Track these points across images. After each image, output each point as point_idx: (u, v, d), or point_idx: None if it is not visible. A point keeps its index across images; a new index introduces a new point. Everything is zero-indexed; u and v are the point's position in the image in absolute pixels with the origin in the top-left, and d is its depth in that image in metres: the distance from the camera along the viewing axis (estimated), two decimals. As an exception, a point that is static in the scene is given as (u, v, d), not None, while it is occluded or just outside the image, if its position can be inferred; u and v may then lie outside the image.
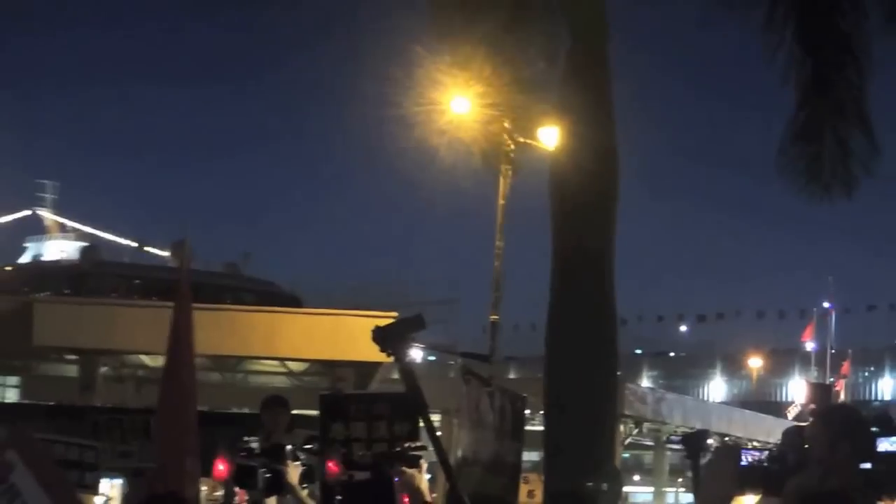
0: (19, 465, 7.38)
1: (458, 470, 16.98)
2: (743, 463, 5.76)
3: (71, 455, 17.19)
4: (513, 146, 30.01)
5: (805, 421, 8.51)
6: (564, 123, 19.21)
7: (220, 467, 13.00)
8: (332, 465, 12.04)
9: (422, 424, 6.26)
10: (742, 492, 5.93)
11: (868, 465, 7.08)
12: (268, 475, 10.77)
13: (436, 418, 46.23)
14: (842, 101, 19.15)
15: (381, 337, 5.78)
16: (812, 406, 14.92)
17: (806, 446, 6.02)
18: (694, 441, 7.53)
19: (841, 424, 6.87)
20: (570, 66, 18.76)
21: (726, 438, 75.03)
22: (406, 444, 10.73)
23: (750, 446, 53.66)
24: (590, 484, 17.56)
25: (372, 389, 46.39)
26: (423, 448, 10.64)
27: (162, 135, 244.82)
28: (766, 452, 5.86)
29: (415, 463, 9.91)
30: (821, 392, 18.40)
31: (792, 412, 70.98)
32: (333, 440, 15.23)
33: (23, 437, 7.67)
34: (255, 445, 11.31)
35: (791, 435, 8.11)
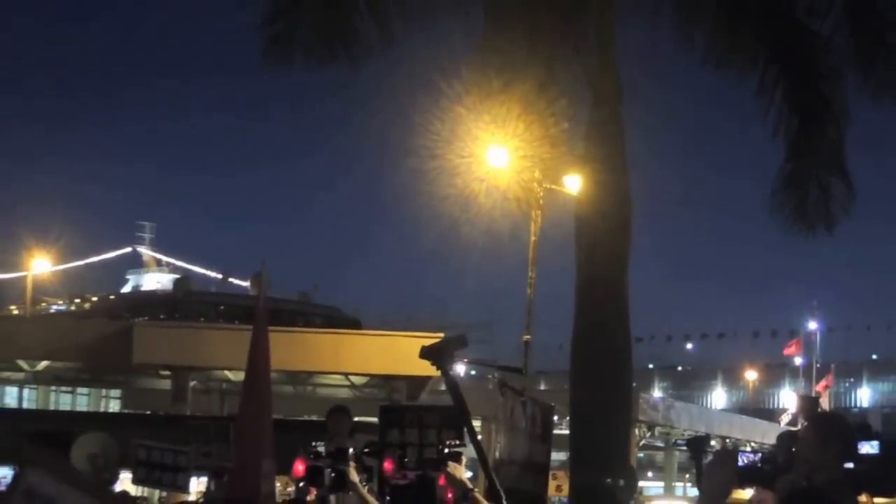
0: (47, 480, 7.20)
1: (496, 468, 16.98)
2: (740, 463, 5.75)
3: (166, 459, 17.21)
4: (542, 192, 30.02)
5: (796, 427, 8.51)
6: (586, 172, 19.25)
7: (299, 467, 13.02)
8: (388, 466, 12.03)
9: (466, 429, 6.31)
10: (740, 487, 5.91)
11: (850, 465, 7.07)
12: (333, 474, 10.76)
13: (477, 424, 46.19)
14: (823, 153, 19.21)
15: (430, 354, 5.79)
16: (801, 414, 14.89)
17: (794, 449, 6.00)
18: (697, 444, 7.53)
19: (830, 429, 6.84)
20: (592, 125, 18.80)
21: (726, 440, 74.78)
22: (448, 442, 10.71)
23: (748, 448, 53.69)
24: (609, 480, 17.53)
25: (423, 401, 46.38)
26: (464, 446, 10.64)
27: (241, 183, 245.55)
28: (760, 454, 5.85)
29: (456, 458, 9.89)
30: (809, 403, 18.32)
31: (784, 419, 70.70)
32: (390, 444, 15.19)
33: (40, 455, 7.50)
34: (321, 449, 11.30)
35: (784, 439, 8.09)
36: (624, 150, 18.71)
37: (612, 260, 18.40)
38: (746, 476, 5.89)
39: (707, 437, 7.98)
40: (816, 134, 19.08)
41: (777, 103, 18.97)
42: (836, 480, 6.67)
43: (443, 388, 57.86)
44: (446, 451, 10.10)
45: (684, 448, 61.78)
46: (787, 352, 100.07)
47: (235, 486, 15.69)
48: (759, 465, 5.86)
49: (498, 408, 16.09)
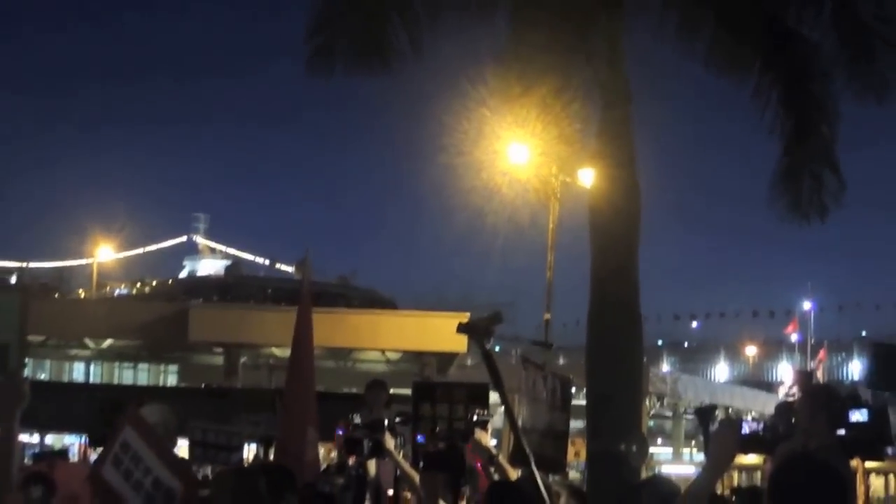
0: (135, 437, 7.27)
1: (522, 436, 17.06)
2: (744, 431, 5.77)
3: (220, 439, 17.28)
4: (559, 185, 30.10)
5: (793, 398, 8.54)
6: (599, 167, 19.28)
7: (339, 433, 13.07)
8: (419, 438, 12.09)
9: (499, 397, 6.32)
10: (743, 453, 5.94)
11: (842, 432, 7.09)
12: (370, 444, 10.80)
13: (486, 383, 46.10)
14: (816, 148, 19.27)
15: (468, 329, 5.82)
16: (797, 387, 14.97)
17: (793, 420, 6.04)
18: (704, 413, 7.58)
19: (821, 399, 6.88)
20: (603, 125, 18.85)
21: (729, 410, 74.73)
22: (477, 411, 10.76)
23: (749, 418, 53.77)
24: (623, 446, 17.54)
25: (451, 375, 46.50)
26: (490, 416, 10.70)
27: (287, 173, 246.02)
28: (762, 423, 5.88)
29: (483, 426, 9.94)
30: (805, 377, 18.48)
31: (782, 391, 70.63)
32: (422, 417, 15.26)
33: (134, 414, 7.57)
34: (358, 421, 11.34)
35: (782, 409, 8.13)
36: (633, 147, 18.74)
37: (623, 247, 18.42)
38: (749, 443, 5.92)
39: (713, 407, 8.03)
40: (809, 131, 19.14)
41: (773, 104, 19.04)
42: (828, 445, 6.71)
43: (469, 362, 58.00)
44: (474, 419, 10.15)
45: (691, 417, 61.78)
46: (787, 330, 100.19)
47: (282, 453, 15.81)
48: (761, 433, 5.88)
49: (521, 381, 16.19)
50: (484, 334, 5.77)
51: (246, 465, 18.66)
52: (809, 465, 5.25)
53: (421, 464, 10.48)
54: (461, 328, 5.84)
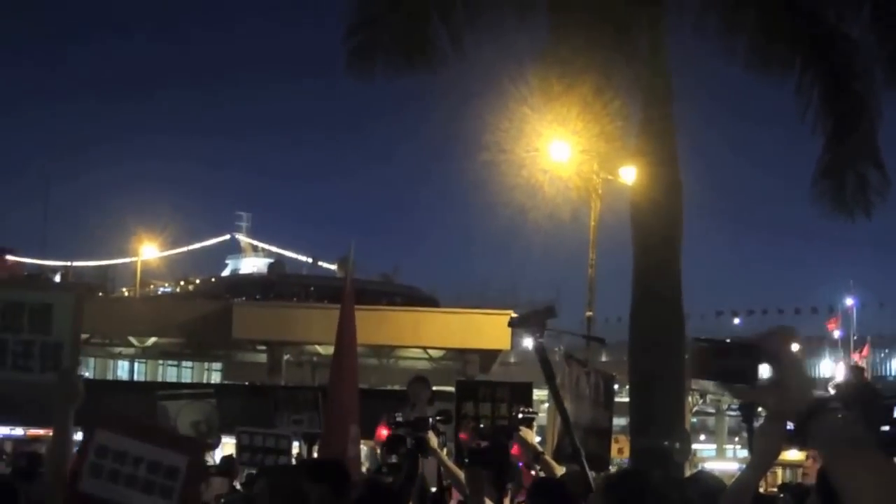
0: (110, 436, 7.15)
1: (562, 434, 17.10)
2: (789, 427, 5.78)
3: (269, 443, 17.35)
4: (600, 182, 30.08)
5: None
6: (640, 165, 19.31)
7: (383, 432, 13.12)
8: (462, 435, 12.11)
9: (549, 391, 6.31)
10: (788, 447, 5.95)
11: (886, 428, 7.09)
12: (413, 441, 10.83)
13: (543, 393, 46.17)
14: (858, 145, 19.23)
15: (521, 322, 5.88)
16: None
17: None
18: (748, 409, 7.59)
19: (854, 398, 6.89)
20: (644, 123, 18.87)
21: (772, 406, 74.32)
22: (521, 408, 10.78)
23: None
24: (667, 443, 17.57)
25: (494, 372, 46.51)
26: (535, 414, 10.73)
27: (329, 171, 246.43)
28: (809, 420, 5.88)
29: (528, 423, 9.96)
30: (856, 372, 18.41)
31: (831, 387, 70.31)
32: (465, 416, 15.31)
33: (104, 416, 7.49)
34: (400, 418, 11.36)
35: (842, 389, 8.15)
36: (675, 145, 18.76)
37: (666, 243, 18.45)
38: (795, 439, 5.92)
39: (757, 403, 8.08)
40: (851, 128, 19.08)
41: (814, 101, 19.00)
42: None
43: (512, 360, 58.02)
44: (519, 416, 10.18)
45: (734, 414, 61.61)
46: (829, 327, 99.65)
47: (325, 450, 15.88)
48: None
49: (564, 377, 16.20)
50: (537, 328, 5.83)
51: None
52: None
53: (465, 460, 10.53)
54: (514, 322, 5.91)
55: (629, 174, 26.27)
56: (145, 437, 7.04)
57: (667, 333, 18.34)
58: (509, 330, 46.27)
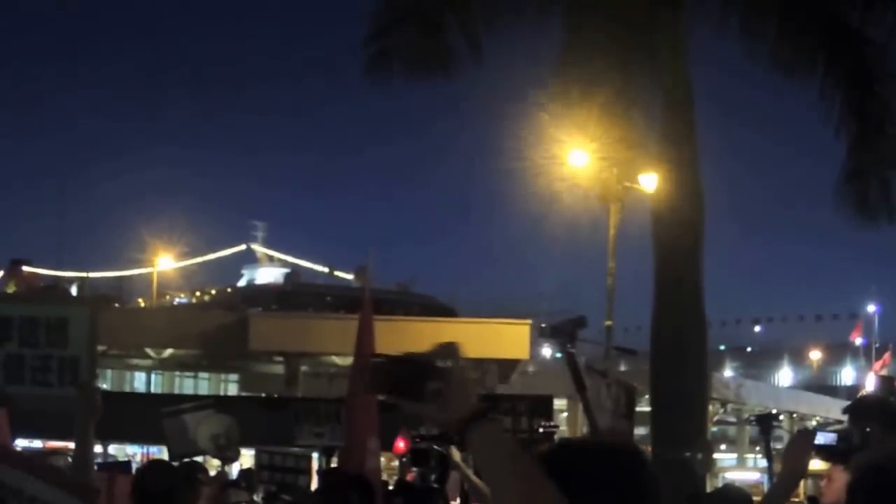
0: (7, 470, 7.01)
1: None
2: (817, 442, 5.67)
3: (288, 463, 17.24)
4: (620, 189, 29.88)
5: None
6: (661, 171, 19.18)
7: (401, 445, 12.96)
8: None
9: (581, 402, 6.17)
10: (814, 458, 5.83)
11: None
12: (436, 455, 10.66)
13: (563, 402, 46.01)
14: (881, 150, 19.05)
15: (553, 333, 5.74)
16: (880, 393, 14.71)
17: (867, 429, 5.91)
18: (765, 420, 7.49)
19: (876, 414, 6.73)
20: (665, 128, 18.72)
21: (794, 415, 74.20)
22: (543, 423, 10.64)
23: (815, 423, 53.01)
24: (688, 454, 17.42)
25: (513, 382, 46.33)
26: (556, 427, 10.60)
27: (345, 180, 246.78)
28: (836, 434, 5.76)
29: (550, 439, 9.82)
30: (886, 383, 18.33)
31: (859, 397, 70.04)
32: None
33: (5, 451, 7.37)
34: (424, 432, 11.19)
35: (854, 406, 7.97)
36: (696, 150, 18.62)
37: (687, 251, 18.30)
38: (823, 453, 5.80)
39: (774, 415, 7.96)
40: (874, 132, 18.92)
41: (838, 105, 18.83)
42: (891, 453, 6.56)
43: (531, 370, 57.79)
44: (541, 430, 10.03)
45: (755, 423, 61.40)
46: (851, 337, 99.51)
47: (344, 463, 15.77)
48: (836, 443, 5.76)
49: (589, 389, 16.09)
50: (568, 338, 5.70)
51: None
52: (883, 477, 5.14)
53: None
54: (544, 332, 5.77)
55: (649, 181, 26.16)
56: (44, 474, 6.97)
57: (689, 343, 18.22)
58: (528, 339, 46.38)
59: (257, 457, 17.22)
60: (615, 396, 16.87)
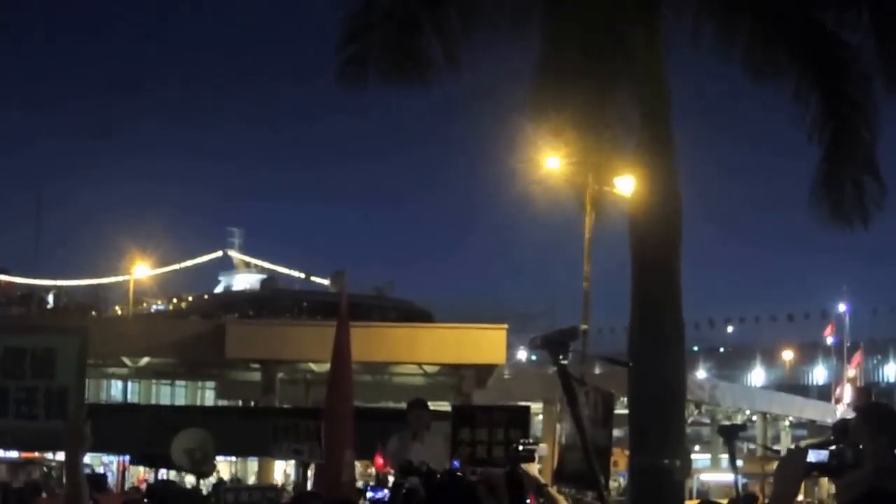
0: None
1: (562, 454, 16.77)
2: (809, 460, 5.46)
3: (255, 497, 16.91)
4: (595, 194, 29.70)
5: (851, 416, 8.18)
6: (638, 175, 18.99)
7: (380, 461, 12.78)
8: (455, 462, 11.74)
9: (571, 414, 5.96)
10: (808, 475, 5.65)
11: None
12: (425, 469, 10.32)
13: (538, 406, 45.84)
14: (856, 153, 18.92)
15: (545, 344, 5.53)
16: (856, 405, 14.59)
17: (860, 446, 5.71)
18: (730, 431, 7.40)
19: (878, 420, 6.55)
20: (642, 133, 18.54)
21: (766, 416, 74.31)
22: (521, 441, 10.29)
23: (788, 423, 53.07)
24: (667, 461, 17.25)
25: (490, 387, 46.18)
26: (537, 443, 10.31)
27: (319, 186, 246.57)
28: (829, 450, 5.55)
29: (530, 458, 9.51)
30: (864, 393, 18.20)
31: (840, 409, 70.42)
32: (461, 441, 15.03)
33: None
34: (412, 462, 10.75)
35: (838, 428, 7.79)
36: (673, 154, 18.42)
37: (665, 257, 18.10)
38: (816, 471, 5.59)
39: (738, 426, 7.85)
40: (849, 135, 18.78)
41: (812, 108, 18.67)
42: (883, 467, 6.35)
43: (507, 375, 57.65)
44: (520, 449, 9.73)
45: (727, 423, 61.49)
46: (825, 333, 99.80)
47: (320, 474, 15.58)
48: (828, 461, 5.56)
49: (562, 397, 15.88)
50: (560, 349, 5.50)
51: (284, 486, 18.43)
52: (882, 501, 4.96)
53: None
54: (538, 343, 5.56)
55: (624, 185, 26.01)
56: None
57: (667, 348, 18.04)
58: (504, 344, 46.22)
59: (223, 497, 16.76)
60: (593, 403, 16.68)
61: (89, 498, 6.80)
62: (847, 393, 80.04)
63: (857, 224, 19.16)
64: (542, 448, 12.32)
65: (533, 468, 9.40)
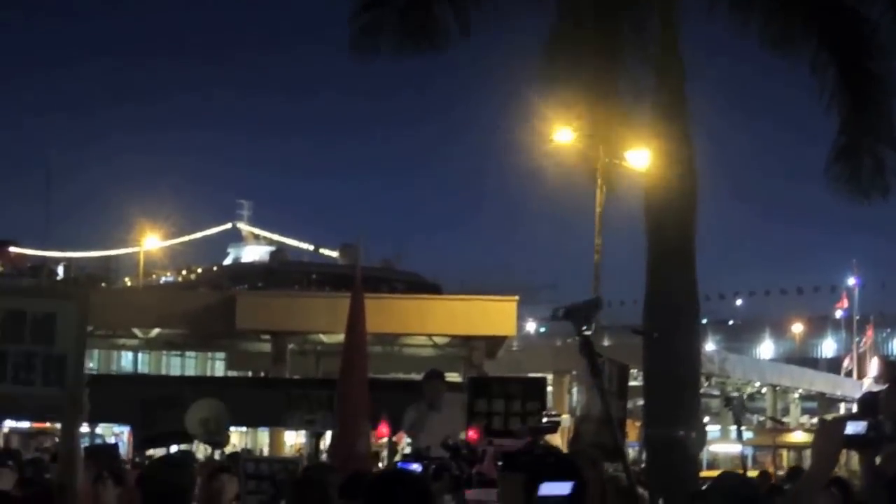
0: None
1: (577, 425, 16.67)
2: (847, 431, 5.34)
3: (275, 468, 16.77)
4: (608, 166, 29.55)
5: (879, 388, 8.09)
6: (653, 147, 18.83)
7: (384, 430, 12.68)
8: (472, 434, 11.56)
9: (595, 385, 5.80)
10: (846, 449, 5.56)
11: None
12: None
13: (548, 378, 45.77)
14: (874, 125, 18.75)
15: (569, 315, 5.40)
16: (882, 378, 14.50)
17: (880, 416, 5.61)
18: (736, 402, 7.28)
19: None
20: (657, 103, 18.37)
21: (776, 388, 74.29)
22: (545, 412, 10.20)
23: (797, 396, 53.12)
24: (681, 432, 17.18)
25: (500, 359, 46.09)
26: (559, 414, 10.21)
27: (328, 157, 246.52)
28: (867, 422, 5.42)
29: (555, 428, 9.40)
30: (890, 367, 18.11)
31: (866, 382, 70.46)
32: (478, 413, 14.90)
33: None
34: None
35: (866, 401, 7.71)
36: (688, 125, 18.26)
37: (680, 228, 17.95)
38: (853, 443, 5.48)
39: (747, 397, 7.82)
40: (867, 109, 18.61)
41: (830, 81, 18.50)
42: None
43: (515, 347, 57.57)
44: (544, 420, 9.60)
45: (735, 395, 61.44)
46: (838, 306, 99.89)
47: (335, 444, 15.48)
48: (865, 432, 5.43)
49: (580, 369, 15.82)
50: (584, 321, 5.38)
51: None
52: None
53: (499, 463, 9.98)
54: (561, 315, 5.43)
55: (636, 158, 25.84)
56: None
57: (682, 320, 17.94)
58: (515, 316, 46.09)
59: (244, 465, 16.66)
60: (608, 375, 16.57)
61: (104, 470, 6.74)
62: (873, 366, 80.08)
63: (876, 197, 19.05)
64: (565, 419, 12.25)
65: (556, 439, 9.30)
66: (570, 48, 18.96)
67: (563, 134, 31.15)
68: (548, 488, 5.06)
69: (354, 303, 15.96)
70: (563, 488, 5.02)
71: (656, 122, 18.47)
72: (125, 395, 23.17)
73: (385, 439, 15.05)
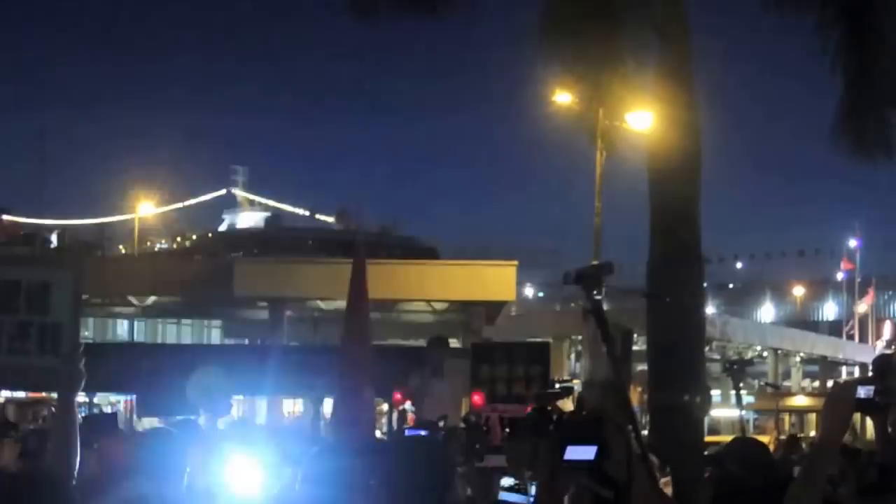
0: None
1: (584, 389, 16.69)
2: (858, 395, 5.35)
3: None
4: (609, 129, 29.50)
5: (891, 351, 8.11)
6: (657, 109, 18.73)
7: (398, 396, 12.71)
8: (476, 399, 11.63)
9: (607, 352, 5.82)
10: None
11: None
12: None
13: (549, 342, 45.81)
14: (880, 86, 18.68)
15: (579, 279, 5.38)
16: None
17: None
18: (737, 364, 7.40)
19: None
20: (660, 65, 18.26)
21: (778, 352, 74.37)
22: (559, 380, 10.26)
23: (799, 359, 53.17)
24: (686, 397, 17.15)
25: (499, 325, 46.16)
26: (570, 380, 10.24)
27: (324, 123, 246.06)
28: (873, 388, 5.44)
29: (567, 394, 9.44)
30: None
31: (879, 344, 70.75)
32: (482, 380, 14.93)
33: None
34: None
35: (881, 362, 7.73)
36: (692, 87, 18.15)
37: (685, 190, 17.83)
38: (863, 407, 5.49)
39: (746, 361, 7.84)
40: (873, 68, 18.56)
41: (835, 40, 18.42)
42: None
43: (514, 312, 57.60)
44: (556, 387, 9.64)
45: (735, 358, 61.53)
46: (842, 268, 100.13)
47: (338, 412, 15.46)
48: (876, 398, 5.46)
49: (584, 334, 15.83)
50: (594, 285, 5.36)
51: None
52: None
53: (506, 430, 10.04)
54: (572, 279, 5.40)
55: (637, 120, 25.81)
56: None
57: (687, 284, 17.87)
58: (514, 281, 46.10)
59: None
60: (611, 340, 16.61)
61: (83, 441, 6.75)
62: (887, 330, 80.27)
63: (881, 158, 19.02)
64: (576, 385, 12.27)
65: (568, 405, 9.31)
66: (571, 9, 18.90)
67: (562, 96, 31.12)
68: (572, 452, 5.06)
69: (356, 272, 15.95)
70: (587, 452, 5.03)
71: (659, 83, 18.36)
72: (122, 364, 23.26)
73: (388, 406, 15.08)
